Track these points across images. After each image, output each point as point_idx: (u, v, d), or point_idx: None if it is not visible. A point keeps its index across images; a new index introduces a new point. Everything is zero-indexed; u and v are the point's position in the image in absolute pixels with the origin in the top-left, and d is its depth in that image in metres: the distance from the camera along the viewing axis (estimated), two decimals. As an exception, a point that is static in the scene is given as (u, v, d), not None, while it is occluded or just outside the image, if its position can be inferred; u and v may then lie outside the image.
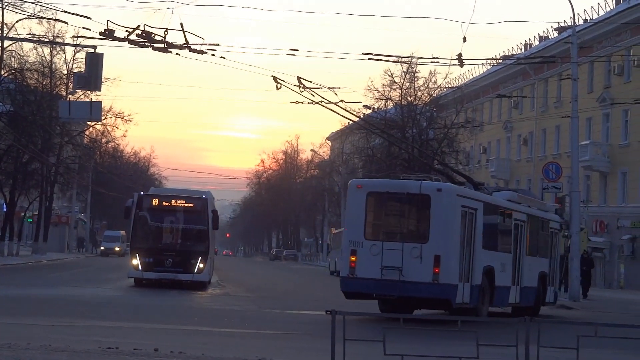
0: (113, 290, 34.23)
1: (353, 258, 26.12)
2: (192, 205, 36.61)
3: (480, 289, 26.99)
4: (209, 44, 28.37)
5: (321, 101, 33.47)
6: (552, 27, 73.44)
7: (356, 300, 27.28)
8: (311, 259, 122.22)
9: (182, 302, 29.87)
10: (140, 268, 35.30)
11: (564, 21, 65.34)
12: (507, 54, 76.90)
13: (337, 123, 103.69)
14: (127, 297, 31.47)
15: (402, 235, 26.70)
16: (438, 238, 25.70)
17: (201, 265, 35.47)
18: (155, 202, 36.68)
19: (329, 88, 34.09)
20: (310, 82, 32.61)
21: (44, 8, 49.57)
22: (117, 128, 78.13)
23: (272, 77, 31.37)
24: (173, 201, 36.70)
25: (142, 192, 38.59)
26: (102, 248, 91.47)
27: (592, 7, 65.23)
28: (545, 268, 32.73)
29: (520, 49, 77.44)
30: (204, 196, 37.41)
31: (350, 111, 40.30)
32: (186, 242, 36.47)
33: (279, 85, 31.52)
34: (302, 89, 31.21)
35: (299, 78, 30.56)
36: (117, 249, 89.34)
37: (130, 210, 35.80)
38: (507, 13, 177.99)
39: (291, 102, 37.79)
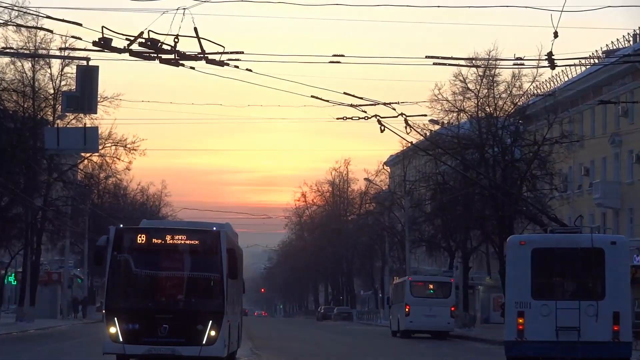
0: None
1: (521, 320, 29.66)
2: (196, 242, 30.32)
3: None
4: (231, 53, 28.69)
5: (375, 116, 34.85)
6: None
7: None
8: (370, 316, 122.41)
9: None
10: (121, 339, 28.72)
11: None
12: (610, 48, 76.78)
13: (396, 144, 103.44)
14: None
15: (575, 293, 31.25)
16: (615, 294, 30.46)
17: (213, 333, 28.76)
18: (141, 239, 30.14)
19: (384, 104, 34.71)
20: (361, 98, 33.51)
21: (23, 13, 50.27)
22: (119, 159, 78.57)
23: (377, 122, 33.91)
24: (168, 237, 30.23)
25: (121, 225, 32.18)
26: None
27: None
28: None
29: (628, 41, 77.15)
30: (214, 229, 31.05)
31: (413, 128, 41.42)
32: (190, 299, 29.85)
33: (382, 128, 34.15)
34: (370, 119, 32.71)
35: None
36: None
37: (102, 252, 29.62)
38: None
39: (337, 119, 38.50)
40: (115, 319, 28.61)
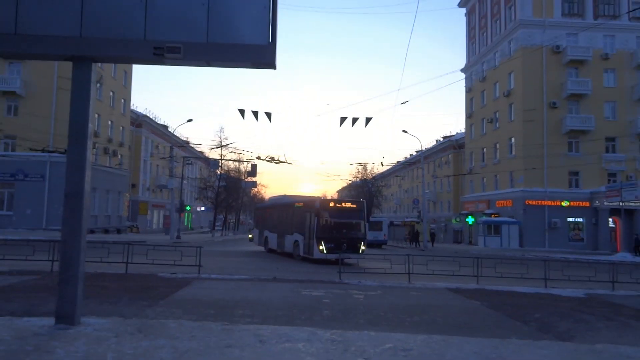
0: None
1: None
2: (355, 206, 22.18)
3: None
4: (294, 161, 28.32)
5: (334, 180, 34.94)
6: (415, 151, 72.49)
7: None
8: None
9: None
10: (324, 251, 20.64)
11: (419, 150, 64.43)
12: (401, 161, 75.87)
13: (339, 186, 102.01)
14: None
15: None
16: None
17: (363, 247, 21.26)
18: (331, 205, 21.93)
19: (336, 175, 35.00)
20: (330, 174, 33.13)
21: (235, 148, 50.08)
22: (262, 189, 78.37)
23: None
24: (343, 204, 22.08)
25: (321, 198, 23.09)
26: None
27: (433, 141, 64.52)
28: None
29: (405, 157, 76.43)
30: (362, 199, 22.90)
31: (344, 181, 40.69)
32: (353, 232, 21.64)
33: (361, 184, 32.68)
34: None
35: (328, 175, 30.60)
36: None
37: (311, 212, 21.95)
38: (402, 145, 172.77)
39: (324, 180, 39.13)
40: (322, 242, 20.65)
